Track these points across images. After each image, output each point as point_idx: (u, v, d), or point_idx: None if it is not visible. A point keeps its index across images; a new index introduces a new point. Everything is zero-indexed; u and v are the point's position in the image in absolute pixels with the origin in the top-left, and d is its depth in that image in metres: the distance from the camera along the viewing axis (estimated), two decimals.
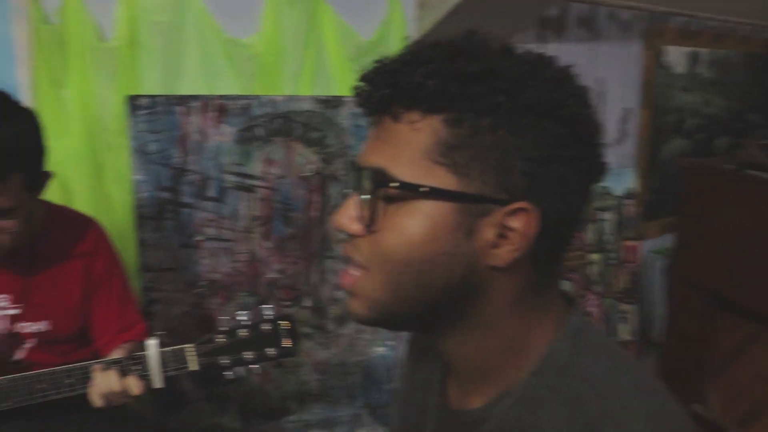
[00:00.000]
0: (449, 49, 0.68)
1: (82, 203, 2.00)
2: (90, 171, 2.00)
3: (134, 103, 2.01)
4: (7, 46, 1.91)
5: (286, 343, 1.48)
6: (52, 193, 1.96)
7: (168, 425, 2.12)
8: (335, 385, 2.37)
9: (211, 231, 2.12)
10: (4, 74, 1.93)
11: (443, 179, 0.67)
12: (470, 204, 0.68)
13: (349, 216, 0.73)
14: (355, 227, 0.72)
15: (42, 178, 1.39)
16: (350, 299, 0.75)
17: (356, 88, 0.72)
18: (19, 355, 1.47)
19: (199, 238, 2.11)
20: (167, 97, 2.04)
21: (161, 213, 2.07)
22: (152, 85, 2.04)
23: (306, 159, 2.19)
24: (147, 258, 2.07)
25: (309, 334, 2.30)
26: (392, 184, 0.68)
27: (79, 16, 1.92)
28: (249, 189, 2.13)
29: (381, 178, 0.69)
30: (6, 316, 1.45)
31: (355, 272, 0.74)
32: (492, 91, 0.65)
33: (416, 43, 0.71)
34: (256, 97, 2.10)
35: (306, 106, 2.17)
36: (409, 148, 0.68)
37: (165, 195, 2.07)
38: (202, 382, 2.15)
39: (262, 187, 2.14)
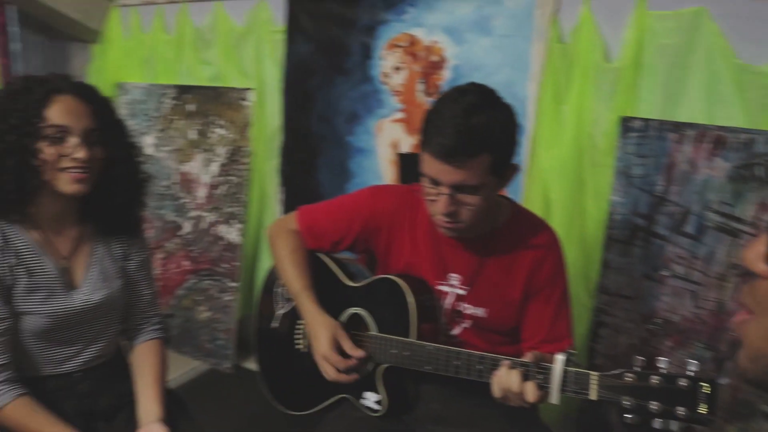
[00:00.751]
0: None
1: (558, 213, 2.17)
2: (571, 184, 2.15)
3: (627, 124, 2.05)
4: (524, 62, 2.23)
5: (702, 409, 1.33)
6: (532, 198, 2.21)
7: None
8: None
9: (679, 268, 2.00)
10: (517, 87, 2.24)
11: None
12: None
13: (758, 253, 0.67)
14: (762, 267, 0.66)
15: (508, 168, 1.58)
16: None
17: None
18: (455, 331, 1.72)
19: (664, 272, 2.02)
20: (661, 122, 2.01)
21: (632, 238, 2.07)
22: (649, 108, 2.04)
23: None
24: (607, 280, 2.10)
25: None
26: None
27: (589, 36, 2.08)
28: (733, 233, 1.91)
29: None
30: (454, 293, 1.72)
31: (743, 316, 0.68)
32: None
33: None
34: (763, 132, 1.87)
35: None
36: None
37: (639, 221, 2.06)
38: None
39: (749, 233, 1.90)
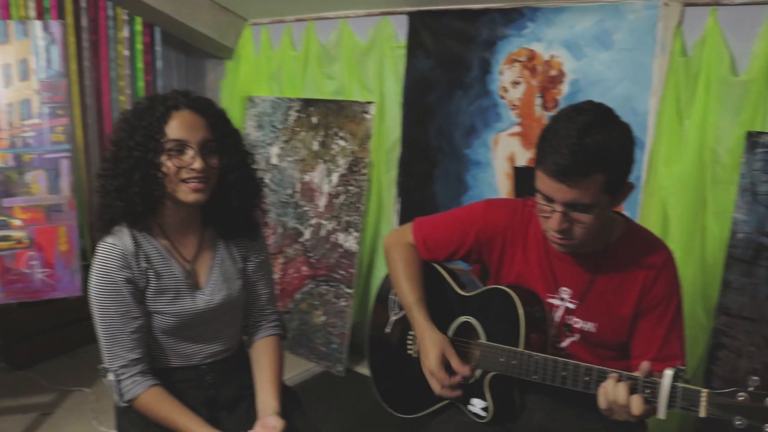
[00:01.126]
0: None
1: (676, 230, 2.16)
2: (692, 201, 2.13)
3: (754, 140, 2.01)
4: (645, 76, 2.23)
5: None
6: (650, 214, 2.21)
7: None
8: None
9: None
10: (637, 101, 2.25)
11: None
12: None
13: None
14: None
15: (622, 186, 1.60)
16: None
17: None
18: (564, 343, 1.75)
19: None
20: None
21: (756, 258, 2.02)
22: None
23: None
24: (727, 300, 2.06)
25: None
26: None
27: (716, 49, 2.06)
28: None
29: None
30: (564, 307, 1.76)
31: None
32: None
33: None
34: None
35: None
36: None
37: (765, 240, 2.01)
38: None
39: None
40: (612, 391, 1.43)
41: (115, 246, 1.54)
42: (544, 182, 1.47)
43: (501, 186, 2.72)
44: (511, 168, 2.68)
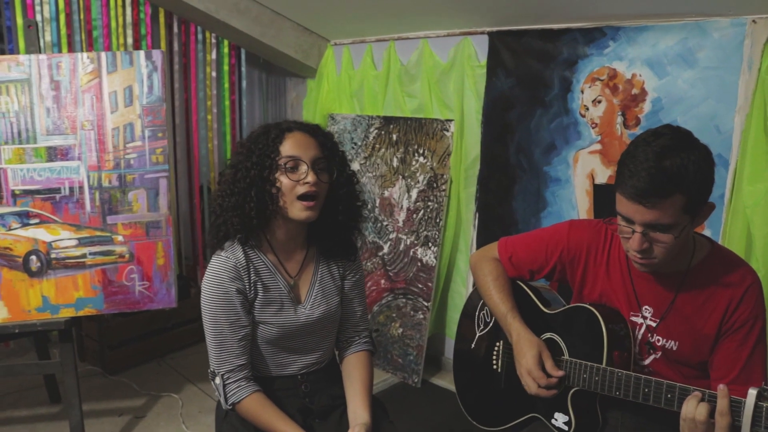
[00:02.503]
0: None
1: (760, 249, 2.17)
2: None
3: None
4: (731, 94, 2.26)
5: None
6: (733, 234, 2.23)
7: None
8: None
9: None
10: (722, 119, 2.29)
11: None
12: None
13: None
14: None
15: (703, 207, 1.59)
16: None
17: None
18: (646, 361, 1.81)
19: None
20: None
21: None
22: None
23: None
24: None
25: None
26: None
27: None
28: None
29: None
30: (646, 325, 1.81)
31: None
32: None
33: None
34: None
35: None
36: None
37: None
38: None
39: None
40: (694, 410, 1.48)
41: (228, 259, 1.70)
42: (623, 204, 1.55)
43: (580, 203, 2.79)
44: (591, 185, 2.74)
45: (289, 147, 1.69)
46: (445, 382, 3.42)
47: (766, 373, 1.70)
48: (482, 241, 3.17)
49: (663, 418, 1.63)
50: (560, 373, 1.72)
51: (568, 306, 1.83)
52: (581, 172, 2.76)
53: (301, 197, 1.67)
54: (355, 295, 1.92)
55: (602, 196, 2.71)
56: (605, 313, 1.72)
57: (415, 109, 3.39)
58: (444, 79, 3.21)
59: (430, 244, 3.28)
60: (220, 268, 1.70)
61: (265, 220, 1.71)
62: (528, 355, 1.74)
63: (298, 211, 1.68)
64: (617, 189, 1.57)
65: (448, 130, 3.19)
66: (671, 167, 1.47)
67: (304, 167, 1.68)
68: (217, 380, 1.72)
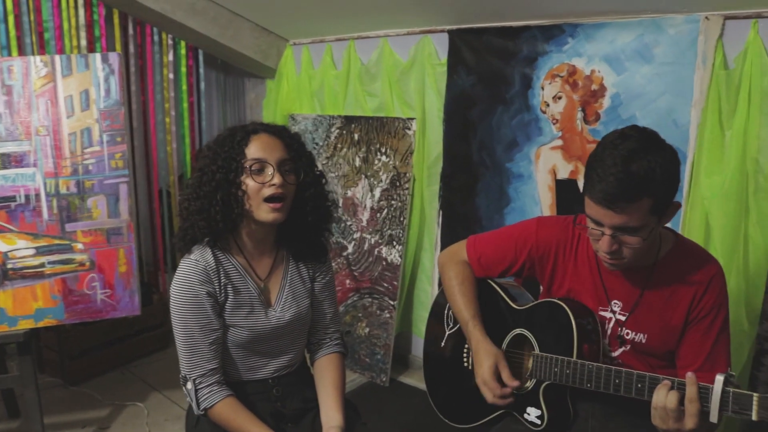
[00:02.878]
0: None
1: (718, 240, 2.23)
2: (734, 210, 2.20)
3: None
4: (687, 89, 2.31)
5: None
6: (692, 225, 2.29)
7: None
8: None
9: None
10: (678, 114, 2.34)
11: None
12: None
13: None
14: None
15: (669, 207, 1.63)
16: None
17: None
18: (615, 353, 1.85)
19: None
20: None
21: None
22: None
23: None
24: None
25: None
26: None
27: (758, 61, 2.13)
28: None
29: None
30: (616, 319, 1.85)
31: None
32: None
33: None
34: None
35: None
36: None
37: None
38: None
39: None
40: (662, 398, 1.51)
41: (197, 262, 1.69)
42: (592, 208, 1.58)
43: (543, 198, 2.82)
44: (553, 180, 2.78)
45: (254, 149, 1.68)
46: (414, 380, 3.43)
47: (729, 359, 1.76)
48: (446, 238, 3.18)
49: (632, 407, 1.66)
50: (515, 383, 1.76)
51: (537, 301, 1.85)
52: (543, 168, 2.80)
53: (268, 199, 1.66)
54: (325, 297, 1.92)
55: (564, 191, 2.75)
56: (574, 308, 1.75)
57: (376, 108, 3.39)
58: (405, 77, 3.22)
59: (394, 243, 3.29)
60: (190, 272, 1.68)
61: (232, 223, 1.69)
62: (485, 365, 1.76)
63: (265, 213, 1.67)
64: (585, 193, 1.60)
65: (410, 129, 3.20)
66: (638, 171, 1.50)
67: (270, 169, 1.67)
68: (189, 385, 1.69)
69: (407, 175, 3.22)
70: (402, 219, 3.25)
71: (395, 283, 3.29)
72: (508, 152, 2.90)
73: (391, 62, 3.23)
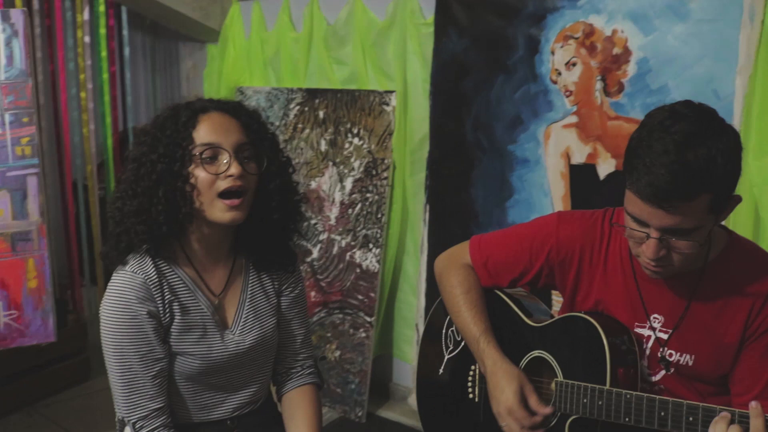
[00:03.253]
0: None
1: None
2: None
3: None
4: (730, 52, 2.31)
5: None
6: (737, 217, 2.28)
7: None
8: None
9: None
10: (720, 82, 2.33)
11: None
12: None
13: None
14: None
15: (729, 202, 1.60)
16: None
17: None
18: (656, 378, 1.83)
19: None
20: None
21: None
22: None
23: None
24: None
25: None
26: None
27: None
28: None
29: None
30: (656, 337, 1.81)
31: None
32: None
33: None
34: None
35: None
36: None
37: None
38: None
39: None
40: None
41: (134, 275, 1.62)
42: (636, 205, 1.53)
43: (554, 188, 2.81)
44: (567, 166, 2.76)
45: (204, 132, 1.62)
46: (396, 413, 3.41)
47: None
48: (435, 238, 3.16)
49: None
50: (547, 410, 1.72)
51: (558, 317, 1.82)
52: (554, 151, 2.79)
53: (223, 194, 1.61)
54: (294, 315, 1.88)
55: (580, 179, 2.74)
56: (605, 324, 1.72)
57: (346, 78, 3.36)
58: (382, 41, 3.19)
59: (370, 246, 3.26)
60: (125, 287, 1.62)
61: (178, 226, 1.64)
62: (507, 391, 1.72)
63: (220, 212, 1.62)
64: (628, 186, 1.54)
65: (388, 104, 3.17)
66: (697, 161, 1.45)
67: (225, 156, 1.61)
68: (128, 430, 1.64)
69: (385, 161, 3.19)
70: (379, 216, 3.22)
71: (372, 295, 3.26)
72: (510, 132, 2.89)
73: (365, 22, 3.20)
